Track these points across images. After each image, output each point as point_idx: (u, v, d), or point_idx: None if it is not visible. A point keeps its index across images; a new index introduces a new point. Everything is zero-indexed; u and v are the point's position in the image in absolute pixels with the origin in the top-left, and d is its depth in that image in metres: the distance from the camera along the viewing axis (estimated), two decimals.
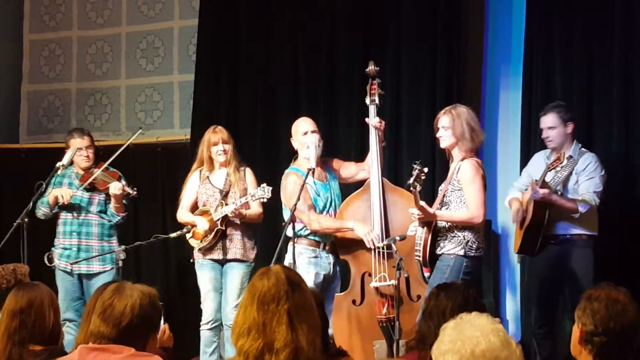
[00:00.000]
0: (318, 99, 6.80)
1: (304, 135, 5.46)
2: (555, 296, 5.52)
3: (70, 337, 5.54)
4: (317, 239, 5.43)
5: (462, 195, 4.92)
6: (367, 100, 5.46)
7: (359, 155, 5.90)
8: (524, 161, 6.04)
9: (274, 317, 2.59)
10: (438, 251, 4.93)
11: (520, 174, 5.94)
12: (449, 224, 4.92)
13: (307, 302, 2.67)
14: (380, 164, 5.38)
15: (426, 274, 5.15)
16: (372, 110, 5.44)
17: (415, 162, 4.78)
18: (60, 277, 6.10)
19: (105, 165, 6.13)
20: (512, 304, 6.41)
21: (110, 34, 7.91)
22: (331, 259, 5.45)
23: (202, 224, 5.67)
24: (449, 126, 4.95)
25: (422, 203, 4.84)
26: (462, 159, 4.96)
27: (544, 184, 5.25)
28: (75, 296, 6.08)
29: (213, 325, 5.73)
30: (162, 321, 3.15)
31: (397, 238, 4.94)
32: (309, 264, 5.34)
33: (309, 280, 5.14)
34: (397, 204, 5.31)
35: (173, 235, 5.80)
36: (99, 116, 7.92)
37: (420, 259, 4.95)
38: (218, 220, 5.62)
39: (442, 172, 5.55)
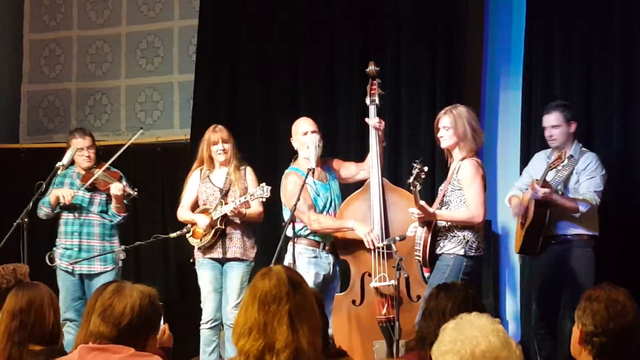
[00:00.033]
0: (318, 99, 6.80)
1: (304, 135, 5.46)
2: (556, 296, 5.51)
3: (71, 337, 5.54)
4: (317, 239, 5.43)
5: (462, 195, 4.92)
6: (367, 101, 5.46)
7: (359, 155, 5.90)
8: (524, 161, 6.04)
9: (275, 317, 2.58)
10: (438, 251, 4.93)
11: (520, 174, 5.94)
12: (449, 223, 4.92)
13: (308, 302, 2.66)
14: (380, 164, 5.38)
15: (426, 274, 5.15)
16: (372, 110, 5.44)
17: (416, 160, 4.78)
18: (61, 276, 6.10)
19: (107, 165, 6.13)
20: (512, 304, 6.41)
21: (110, 34, 7.91)
22: (331, 259, 5.45)
23: (203, 220, 5.67)
24: (450, 126, 4.95)
25: (422, 202, 4.84)
26: (462, 159, 4.96)
27: (544, 184, 5.25)
28: (76, 296, 6.09)
29: (213, 325, 5.73)
30: (161, 321, 3.15)
31: (397, 238, 4.94)
32: (308, 264, 5.34)
33: (309, 281, 5.14)
34: (397, 204, 5.30)
35: (173, 235, 5.81)
36: (99, 116, 7.92)
37: (420, 258, 4.95)
38: (217, 219, 5.62)
39: (442, 172, 5.55)
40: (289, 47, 6.94)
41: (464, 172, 4.92)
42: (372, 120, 5.40)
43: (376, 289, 5.17)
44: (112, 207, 6.09)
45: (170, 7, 7.71)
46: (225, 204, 5.63)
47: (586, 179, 5.38)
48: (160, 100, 7.75)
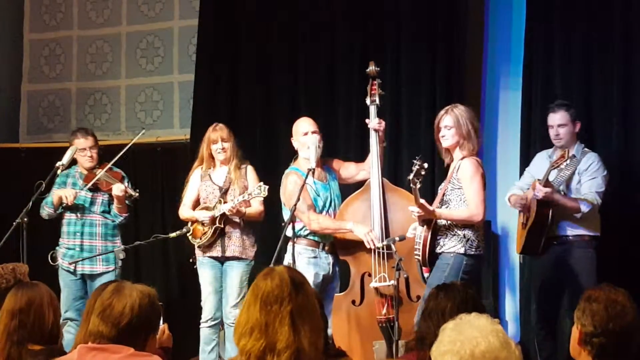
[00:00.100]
0: (318, 99, 6.80)
1: (305, 135, 5.46)
2: (557, 297, 5.51)
3: (72, 336, 5.54)
4: (316, 239, 5.43)
5: (462, 194, 4.92)
6: (368, 101, 5.46)
7: (359, 155, 5.90)
8: (524, 161, 6.04)
9: (277, 317, 2.58)
10: (438, 250, 4.93)
11: (520, 174, 5.94)
12: (449, 222, 4.92)
13: (310, 303, 2.66)
14: (381, 164, 5.38)
15: (425, 275, 5.15)
16: (373, 110, 5.44)
17: (416, 157, 4.78)
18: (63, 276, 6.10)
19: (109, 165, 6.13)
20: (511, 304, 6.41)
21: (110, 34, 7.91)
22: (330, 259, 5.45)
23: (204, 214, 5.67)
24: (453, 125, 4.95)
25: (422, 201, 4.84)
26: (462, 158, 4.96)
27: (547, 183, 5.25)
28: (78, 296, 6.08)
29: (213, 323, 5.74)
30: (161, 321, 3.15)
31: (397, 238, 4.95)
32: (308, 264, 5.34)
33: (309, 280, 5.13)
34: (397, 204, 5.30)
35: (173, 235, 5.82)
36: (99, 116, 7.92)
37: (420, 257, 4.94)
38: (216, 217, 5.63)
39: (442, 171, 5.55)
40: (289, 47, 6.94)
41: (463, 170, 4.92)
42: (373, 121, 5.40)
43: (376, 289, 5.17)
44: (114, 207, 6.09)
45: (170, 7, 7.71)
46: (225, 202, 5.63)
47: (588, 180, 5.37)
48: (160, 100, 7.76)
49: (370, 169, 5.38)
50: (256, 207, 5.70)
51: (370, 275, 5.22)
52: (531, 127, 6.14)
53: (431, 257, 4.94)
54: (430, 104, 6.32)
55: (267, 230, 6.18)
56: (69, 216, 6.13)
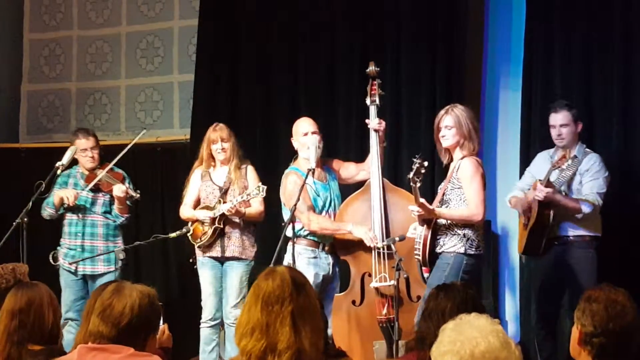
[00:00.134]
0: (318, 99, 6.80)
1: (304, 136, 5.46)
2: (557, 297, 5.51)
3: (72, 336, 5.53)
4: (316, 239, 5.43)
5: (461, 194, 4.92)
6: (368, 101, 5.46)
7: (359, 155, 5.90)
8: (524, 161, 6.04)
9: (278, 318, 2.58)
10: (438, 249, 4.93)
11: (520, 174, 5.94)
12: (449, 221, 4.92)
13: (311, 304, 2.66)
14: (381, 164, 5.38)
15: (425, 275, 5.15)
16: (373, 110, 5.44)
17: (415, 155, 4.78)
18: (64, 276, 6.10)
19: (110, 166, 6.13)
20: (511, 305, 6.41)
21: (110, 34, 7.91)
22: (330, 259, 5.45)
23: (205, 213, 5.67)
24: (453, 125, 4.95)
25: (422, 200, 4.84)
26: (462, 158, 4.96)
27: (548, 184, 5.24)
28: (79, 296, 6.08)
29: (213, 324, 5.74)
30: (161, 321, 3.15)
31: (397, 238, 4.95)
32: (308, 265, 5.34)
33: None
34: (397, 204, 5.30)
35: (173, 235, 5.82)
36: (99, 116, 7.92)
37: (420, 257, 4.94)
38: (216, 218, 5.63)
39: (442, 171, 5.55)
40: (289, 47, 6.94)
41: (463, 170, 4.92)
42: (373, 122, 5.40)
43: (376, 289, 5.17)
44: (115, 208, 6.09)
45: (170, 7, 7.71)
46: (224, 202, 5.63)
47: (589, 180, 5.37)
48: (160, 100, 7.76)
49: (370, 169, 5.38)
50: (256, 207, 5.70)
51: (370, 275, 5.21)
52: (531, 127, 6.14)
53: (431, 257, 4.94)
54: (430, 104, 6.32)
55: (267, 230, 6.18)
56: (70, 217, 6.13)
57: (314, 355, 2.59)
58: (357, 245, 5.26)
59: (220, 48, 7.14)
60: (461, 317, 2.24)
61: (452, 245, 4.90)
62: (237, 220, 5.68)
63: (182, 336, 4.79)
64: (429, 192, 5.58)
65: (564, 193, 5.35)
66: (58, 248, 6.14)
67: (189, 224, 5.80)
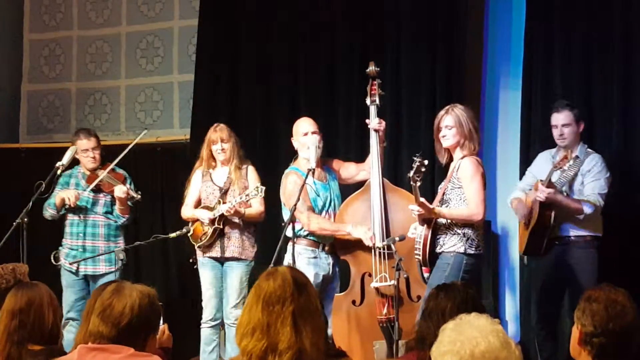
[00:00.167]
0: (318, 99, 6.80)
1: (304, 135, 5.46)
2: (558, 297, 5.50)
3: (73, 336, 5.53)
4: (316, 239, 5.42)
5: (461, 193, 4.92)
6: (368, 101, 5.46)
7: (359, 155, 5.90)
8: (524, 161, 6.04)
9: (279, 318, 2.58)
10: (438, 249, 4.93)
11: (520, 174, 5.93)
12: (449, 221, 4.92)
13: (312, 304, 2.66)
14: (381, 164, 5.37)
15: (425, 275, 5.14)
16: (373, 110, 5.44)
17: (416, 154, 4.78)
18: (65, 276, 6.11)
19: (111, 166, 6.12)
20: (511, 305, 6.41)
21: (110, 34, 7.91)
22: (330, 259, 5.45)
23: (205, 214, 5.67)
24: (454, 125, 4.95)
25: (422, 199, 4.84)
26: (462, 157, 4.96)
27: (549, 184, 5.24)
28: (80, 296, 6.08)
29: (213, 324, 5.74)
30: (161, 321, 3.15)
31: (397, 238, 4.95)
32: (308, 265, 5.33)
33: None
34: (397, 204, 5.30)
35: (173, 235, 5.82)
36: (99, 116, 7.92)
37: (420, 257, 4.94)
38: (215, 218, 5.63)
39: (442, 171, 5.54)
40: (289, 47, 6.94)
41: (463, 170, 4.92)
42: (373, 122, 5.40)
43: (376, 289, 5.16)
44: (116, 208, 6.09)
45: (170, 7, 7.71)
46: (224, 203, 5.63)
47: (591, 181, 5.36)
48: (160, 100, 7.76)
49: (370, 169, 5.38)
50: (257, 207, 5.70)
51: (370, 275, 5.21)
52: (531, 127, 6.14)
53: (431, 257, 4.94)
54: (430, 104, 6.32)
55: (267, 230, 6.18)
56: (71, 217, 6.14)
57: (315, 356, 2.59)
58: (357, 245, 5.25)
59: (220, 48, 7.13)
60: (461, 317, 2.24)
61: (451, 245, 4.90)
62: (236, 220, 5.68)
63: (182, 336, 4.79)
64: (429, 192, 5.58)
65: (565, 193, 5.35)
66: (60, 248, 6.15)
67: (190, 224, 5.81)
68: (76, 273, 6.09)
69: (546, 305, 5.53)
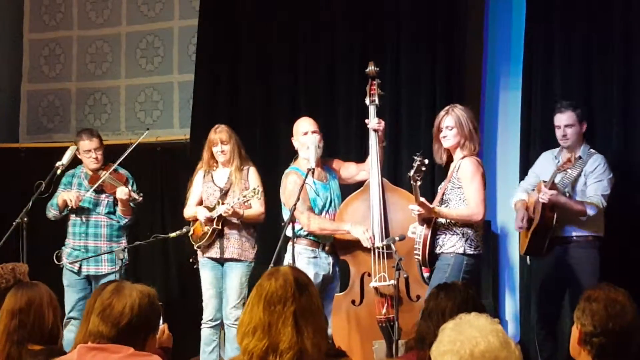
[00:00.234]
0: (318, 99, 6.80)
1: (304, 135, 5.46)
2: (558, 297, 5.50)
3: (74, 335, 5.53)
4: (316, 239, 5.42)
5: (461, 193, 4.92)
6: (367, 101, 5.46)
7: (359, 155, 5.90)
8: (524, 161, 6.04)
9: (280, 318, 2.58)
10: (437, 250, 4.93)
11: (519, 174, 5.93)
12: (448, 221, 4.92)
13: (313, 304, 2.66)
14: (380, 164, 5.37)
15: (425, 275, 5.14)
16: (372, 110, 5.44)
17: (416, 153, 4.78)
18: (67, 275, 6.11)
19: (113, 167, 6.12)
20: (511, 304, 6.40)
21: (110, 34, 7.91)
22: (330, 259, 5.45)
23: (203, 212, 5.67)
24: (454, 125, 4.95)
25: (422, 199, 4.84)
26: (463, 158, 4.96)
27: (552, 186, 5.23)
28: (82, 296, 6.08)
29: (214, 324, 5.75)
30: (161, 321, 3.15)
31: (397, 238, 4.95)
32: (308, 264, 5.33)
33: None
34: (397, 204, 5.30)
35: (173, 235, 5.82)
36: (99, 116, 7.92)
37: (420, 257, 4.94)
38: (214, 219, 5.63)
39: (442, 171, 5.55)
40: (289, 47, 6.94)
41: (463, 170, 4.92)
42: (372, 122, 5.40)
43: (376, 289, 5.17)
44: (118, 209, 6.09)
45: (170, 7, 7.71)
46: (223, 204, 5.63)
47: (593, 182, 5.36)
48: (160, 100, 7.75)
49: (370, 168, 5.38)
50: (257, 208, 5.70)
51: (370, 275, 5.21)
52: (531, 127, 6.14)
53: (431, 257, 4.94)
54: (430, 104, 6.32)
55: (267, 231, 6.17)
56: (74, 217, 6.15)
57: (316, 356, 2.59)
58: (356, 245, 5.25)
59: (220, 48, 7.13)
60: (461, 317, 2.24)
61: (451, 245, 4.90)
62: (235, 221, 5.68)
63: (182, 336, 4.79)
64: (429, 191, 5.58)
65: (568, 194, 5.34)
66: (62, 248, 6.15)
67: (190, 223, 5.81)
68: (78, 273, 6.10)
69: (546, 305, 5.53)
